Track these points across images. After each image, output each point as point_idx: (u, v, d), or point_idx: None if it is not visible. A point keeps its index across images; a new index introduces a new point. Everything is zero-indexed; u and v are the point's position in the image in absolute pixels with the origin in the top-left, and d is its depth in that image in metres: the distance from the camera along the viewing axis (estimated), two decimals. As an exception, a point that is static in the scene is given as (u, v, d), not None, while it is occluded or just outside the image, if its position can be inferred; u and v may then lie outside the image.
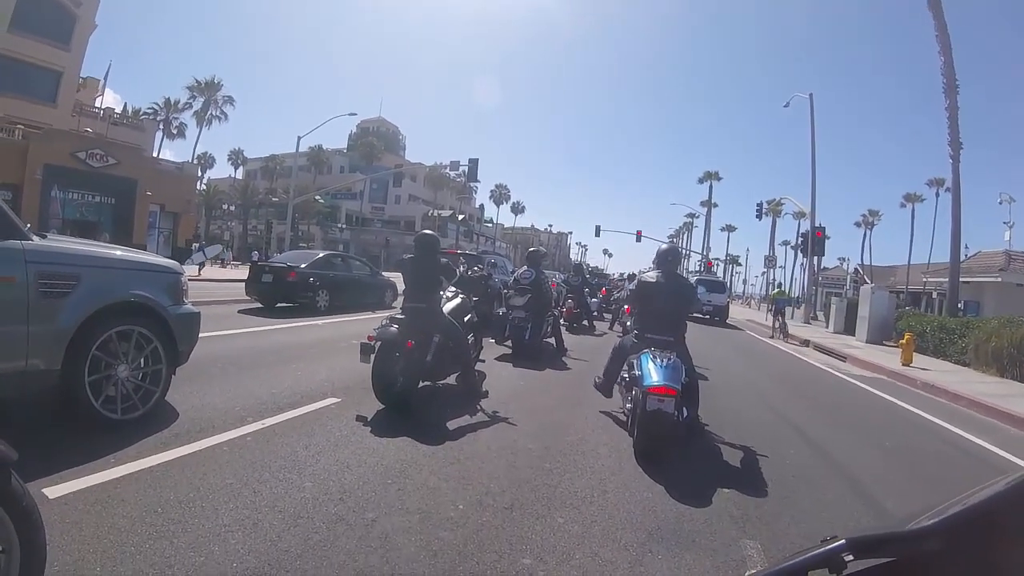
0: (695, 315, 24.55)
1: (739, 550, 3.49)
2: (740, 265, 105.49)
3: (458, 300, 7.39)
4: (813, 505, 4.45)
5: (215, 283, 21.45)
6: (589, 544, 3.38)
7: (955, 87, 22.60)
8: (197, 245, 35.68)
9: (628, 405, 5.57)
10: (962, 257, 26.36)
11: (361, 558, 2.95)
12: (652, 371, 5.09)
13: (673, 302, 6.00)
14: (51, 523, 2.52)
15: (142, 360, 4.82)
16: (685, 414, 5.36)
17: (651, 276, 6.21)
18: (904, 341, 14.58)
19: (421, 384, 6.32)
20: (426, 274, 6.52)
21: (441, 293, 7.00)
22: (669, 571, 3.17)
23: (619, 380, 6.11)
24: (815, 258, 34.00)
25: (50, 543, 2.12)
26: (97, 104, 43.75)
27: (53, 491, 3.29)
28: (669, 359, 5.21)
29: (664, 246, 6.68)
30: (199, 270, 27.14)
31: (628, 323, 6.63)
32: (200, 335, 5.63)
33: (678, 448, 5.15)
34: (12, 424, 4.16)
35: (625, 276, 23.99)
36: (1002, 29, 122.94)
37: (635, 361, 5.50)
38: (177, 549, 2.85)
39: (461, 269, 8.16)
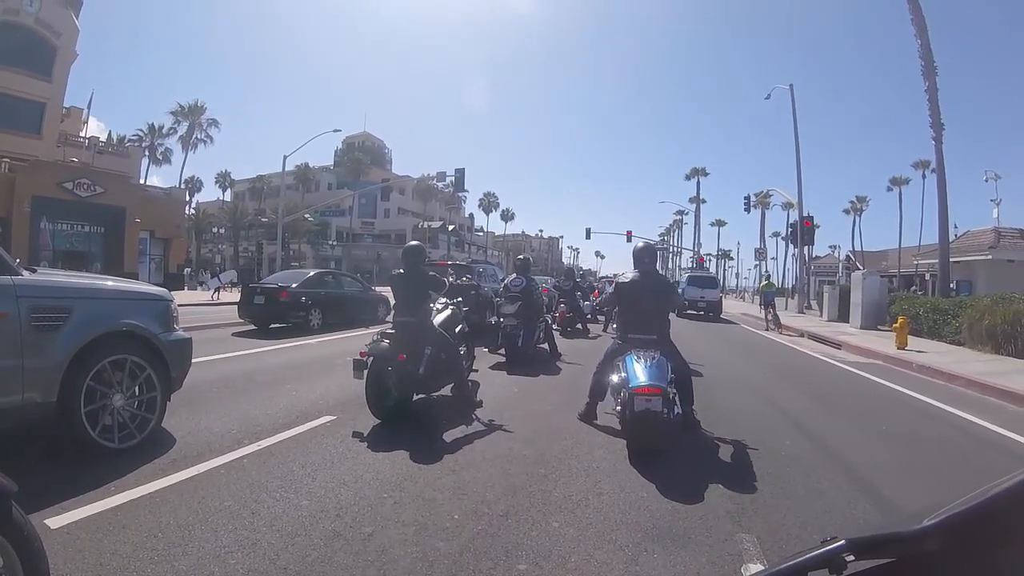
0: (689, 311, 24.64)
1: (735, 544, 3.52)
2: (732, 259, 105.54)
3: (448, 311, 7.44)
4: (809, 495, 4.46)
5: (208, 307, 21.45)
6: (585, 547, 3.41)
7: (933, 69, 22.75)
8: (216, 269, 36.39)
9: (618, 407, 5.61)
10: (952, 237, 26.53)
11: (358, 572, 2.99)
12: (637, 372, 5.14)
13: (653, 301, 6.02)
14: (54, 553, 2.57)
15: (137, 388, 4.88)
16: (677, 411, 5.40)
17: (627, 277, 6.23)
18: (898, 325, 14.64)
19: (415, 397, 6.38)
20: (414, 288, 6.58)
21: (431, 305, 7.05)
22: (665, 569, 3.20)
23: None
24: (805, 247, 34.16)
25: (53, 572, 2.17)
26: (81, 134, 43.66)
27: (55, 521, 3.33)
28: (653, 358, 5.26)
29: (639, 244, 6.61)
30: (215, 295, 27.56)
31: (615, 324, 6.64)
32: (194, 360, 5.70)
33: (672, 446, 5.20)
34: (11, 457, 4.18)
35: (606, 278, 23.99)
36: (983, 10, 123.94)
37: (621, 363, 5.55)
38: (178, 572, 2.89)
39: (450, 279, 8.20)
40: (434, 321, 6.85)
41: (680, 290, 18.79)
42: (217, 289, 29.43)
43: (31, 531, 1.99)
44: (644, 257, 6.30)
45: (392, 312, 6.99)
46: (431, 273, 6.88)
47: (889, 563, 0.95)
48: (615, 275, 22.72)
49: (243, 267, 47.64)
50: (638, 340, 5.72)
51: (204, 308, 20.48)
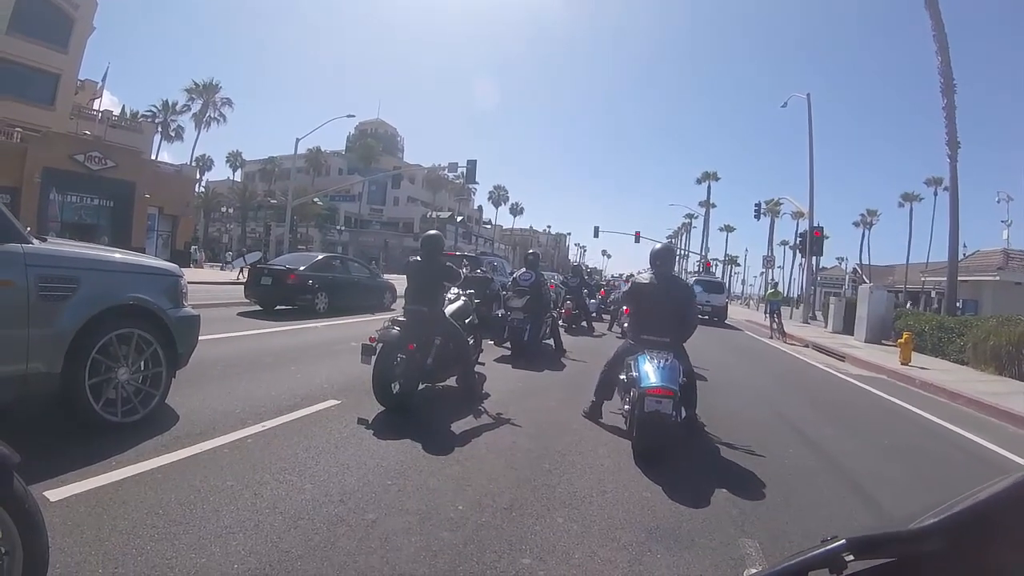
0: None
1: (737, 549, 3.51)
2: (739, 265, 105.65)
3: (460, 302, 7.41)
4: (811, 504, 4.46)
5: (214, 285, 21.45)
6: (588, 544, 3.40)
7: (952, 86, 22.64)
8: (243, 250, 36.77)
9: (626, 406, 5.57)
10: (960, 256, 26.42)
11: (361, 559, 2.97)
12: (649, 372, 5.09)
13: (668, 303, 5.92)
14: (53, 526, 2.54)
15: (142, 363, 4.84)
16: (683, 414, 5.37)
17: (644, 278, 6.16)
18: (903, 340, 14.59)
19: (421, 386, 6.33)
20: (430, 277, 6.54)
21: (444, 295, 7.01)
22: (668, 570, 3.18)
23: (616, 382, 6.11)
24: (814, 258, 34.03)
25: (52, 546, 2.14)
26: (95, 107, 43.69)
27: (55, 494, 3.31)
28: (666, 360, 5.21)
29: (658, 246, 6.50)
30: (240, 274, 27.86)
31: (625, 325, 6.57)
32: (200, 338, 5.65)
33: (677, 448, 5.17)
34: (13, 427, 4.17)
35: (621, 277, 23.85)
36: (1000, 28, 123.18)
37: (632, 363, 5.51)
38: (178, 551, 2.87)
39: (465, 270, 8.14)
40: (446, 311, 6.81)
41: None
42: (242, 269, 29.60)
43: (32, 503, 1.96)
44: (662, 259, 6.20)
45: (404, 299, 6.92)
46: (448, 264, 6.82)
47: (889, 563, 0.94)
48: (628, 274, 22.50)
49: (250, 248, 47.63)
50: (651, 342, 5.66)
51: (208, 286, 20.44)
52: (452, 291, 7.38)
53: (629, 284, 6.57)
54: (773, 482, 4.80)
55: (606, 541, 3.45)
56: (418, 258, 6.64)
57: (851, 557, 0.93)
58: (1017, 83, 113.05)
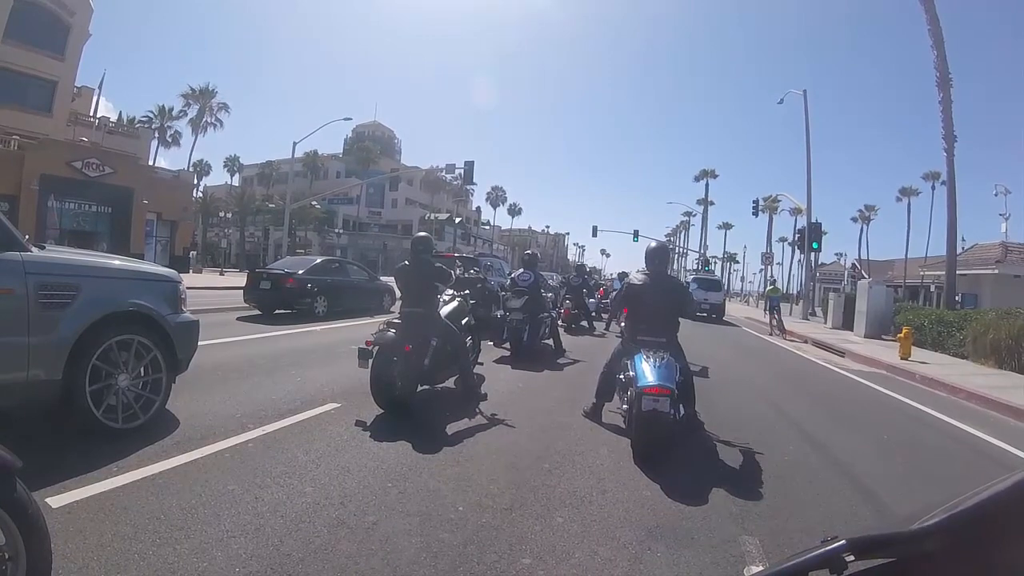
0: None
1: (738, 546, 3.51)
2: (738, 263, 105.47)
3: (455, 303, 7.42)
4: (811, 500, 4.47)
5: (213, 291, 21.42)
6: (588, 543, 3.41)
7: (948, 81, 22.67)
8: (276, 258, 36.81)
9: (625, 406, 5.58)
10: (959, 250, 26.45)
11: (362, 561, 2.98)
12: (646, 371, 5.09)
13: (663, 302, 5.92)
14: (55, 532, 2.55)
15: (142, 369, 4.86)
16: (681, 412, 5.38)
17: (639, 278, 6.13)
18: (902, 335, 14.59)
19: (420, 388, 6.35)
20: (421, 278, 6.56)
21: (438, 297, 7.03)
22: (668, 568, 3.19)
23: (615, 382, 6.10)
24: (812, 254, 34.03)
25: (55, 551, 2.15)
26: (92, 113, 43.65)
27: (56, 500, 3.32)
28: (663, 359, 5.22)
29: (652, 245, 6.46)
30: None
31: (622, 324, 6.55)
32: (199, 343, 5.66)
33: (676, 447, 5.17)
34: (15, 434, 4.16)
35: (619, 275, 23.76)
36: (996, 23, 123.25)
37: (629, 362, 5.52)
38: (180, 555, 2.88)
39: (458, 271, 8.14)
40: (441, 312, 6.83)
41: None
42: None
43: (35, 509, 1.98)
44: (656, 258, 6.19)
45: (399, 302, 6.95)
46: (438, 264, 6.85)
47: (889, 563, 0.94)
48: (621, 272, 22.45)
49: (247, 252, 47.53)
50: (647, 342, 5.65)
51: (210, 292, 20.42)
52: (447, 292, 7.40)
53: (623, 284, 6.54)
54: (773, 479, 4.81)
55: (606, 540, 3.46)
56: (407, 262, 6.68)
57: (851, 557, 0.93)
58: (1013, 80, 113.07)
